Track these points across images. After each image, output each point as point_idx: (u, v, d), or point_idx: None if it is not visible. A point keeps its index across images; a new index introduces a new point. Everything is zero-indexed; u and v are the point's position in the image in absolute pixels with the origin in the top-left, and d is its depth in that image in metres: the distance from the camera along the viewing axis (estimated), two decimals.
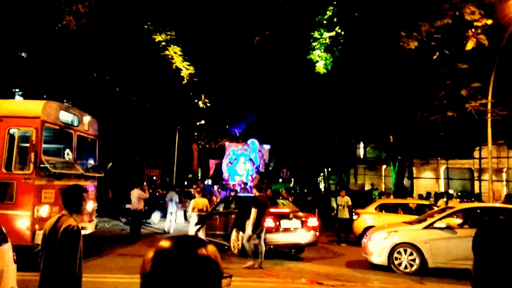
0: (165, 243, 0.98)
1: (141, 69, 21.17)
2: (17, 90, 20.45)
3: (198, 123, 29.44)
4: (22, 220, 7.80)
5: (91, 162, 10.46)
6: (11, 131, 8.23)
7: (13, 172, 7.98)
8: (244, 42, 16.48)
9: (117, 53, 18.98)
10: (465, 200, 20.10)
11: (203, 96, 24.74)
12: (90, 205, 9.96)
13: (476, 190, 25.83)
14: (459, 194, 28.00)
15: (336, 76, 17.62)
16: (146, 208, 14.89)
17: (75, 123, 9.50)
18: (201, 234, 11.13)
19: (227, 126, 30.51)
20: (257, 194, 9.73)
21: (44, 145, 8.45)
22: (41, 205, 7.99)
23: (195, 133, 30.19)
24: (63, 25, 8.77)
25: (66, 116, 9.15)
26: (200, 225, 11.15)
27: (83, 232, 9.18)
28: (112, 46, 18.31)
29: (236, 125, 29.05)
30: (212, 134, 29.97)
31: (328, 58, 14.45)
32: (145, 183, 17.11)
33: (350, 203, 13.84)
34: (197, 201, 11.32)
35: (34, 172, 7.94)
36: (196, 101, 25.13)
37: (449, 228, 8.94)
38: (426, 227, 9.11)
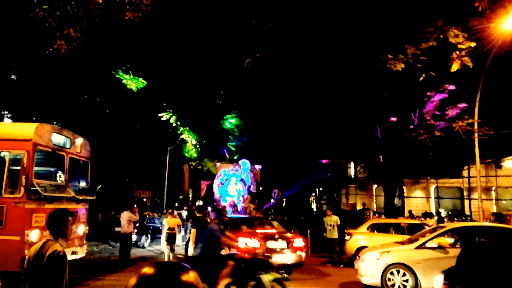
0: (147, 270, 0.99)
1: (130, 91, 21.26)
2: (5, 112, 20.32)
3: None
4: (11, 245, 7.58)
5: (83, 184, 10.31)
6: (2, 153, 8.14)
7: (3, 196, 7.83)
8: (234, 63, 16.69)
9: (107, 75, 19.06)
10: (455, 219, 20.17)
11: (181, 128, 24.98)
12: (82, 229, 9.79)
13: (467, 209, 25.97)
14: (449, 213, 28.13)
15: (324, 96, 17.88)
16: (136, 231, 14.72)
17: (67, 145, 9.42)
18: (191, 249, 11.18)
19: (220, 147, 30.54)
20: (197, 215, 10.04)
21: (35, 168, 8.33)
22: (32, 229, 7.81)
23: (186, 154, 30.08)
24: (54, 49, 8.82)
25: (58, 139, 9.07)
26: (168, 242, 13.17)
27: (74, 256, 9.03)
28: (102, 69, 18.40)
29: (226, 146, 29.05)
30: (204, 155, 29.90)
31: None
32: (135, 205, 16.93)
33: (338, 223, 13.64)
34: (168, 221, 13.38)
35: (24, 196, 7.79)
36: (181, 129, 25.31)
37: (441, 248, 8.96)
38: (418, 247, 9.12)
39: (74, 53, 9.07)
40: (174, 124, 24.19)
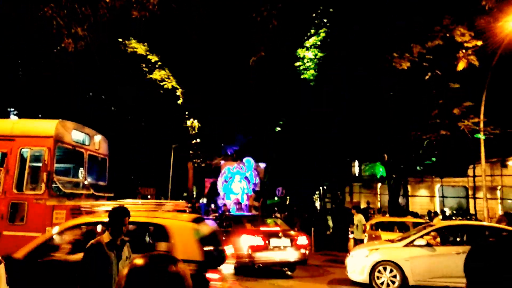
0: (139, 261, 1.06)
1: (137, 89, 21.34)
2: (12, 109, 20.47)
3: (193, 142, 29.45)
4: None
5: (101, 181, 10.25)
6: (23, 150, 8.13)
7: (25, 193, 7.84)
8: (240, 62, 16.74)
9: (112, 73, 19.15)
10: (459, 218, 20.11)
11: (192, 121, 24.97)
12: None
13: (471, 208, 25.89)
14: (454, 212, 28.03)
15: (328, 94, 17.88)
16: None
17: (87, 142, 9.42)
18: None
19: (222, 145, 30.57)
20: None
21: (55, 165, 8.31)
22: (53, 226, 7.77)
23: (191, 152, 30.16)
24: (62, 47, 8.87)
25: (78, 135, 9.08)
26: None
27: None
28: (108, 67, 18.49)
29: (231, 145, 29.12)
30: (208, 153, 30.00)
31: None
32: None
33: (363, 222, 13.00)
34: None
35: (46, 192, 7.77)
36: (190, 121, 25.35)
37: (429, 245, 9.03)
38: (406, 245, 9.20)
39: (81, 50, 9.13)
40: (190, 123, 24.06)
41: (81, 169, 9.40)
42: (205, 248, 4.66)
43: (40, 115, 17.82)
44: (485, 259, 1.16)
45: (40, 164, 8.01)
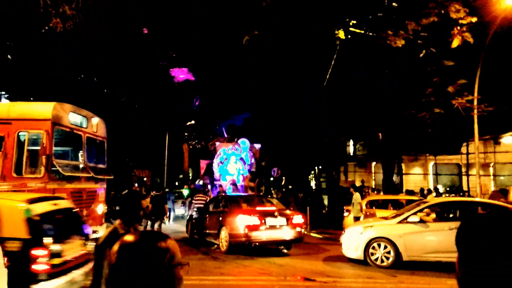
0: (129, 237, 1.08)
1: (131, 71, 21.08)
2: (2, 92, 20.20)
3: (188, 123, 29.35)
4: None
5: (100, 164, 10.18)
6: (21, 134, 8.05)
7: (24, 176, 7.80)
8: (234, 41, 16.51)
9: (105, 54, 18.85)
10: (452, 195, 20.37)
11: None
12: (101, 208, 9.86)
13: (464, 185, 26.23)
14: (448, 189, 28.37)
15: (324, 73, 17.77)
16: None
17: (84, 125, 9.33)
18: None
19: (218, 124, 30.49)
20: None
21: (54, 148, 8.24)
22: None
23: (186, 134, 30.10)
24: (50, 27, 8.68)
25: (75, 118, 8.98)
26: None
27: (94, 235, 9.19)
28: (100, 47, 18.19)
29: (226, 120, 28.94)
30: (203, 135, 29.94)
31: None
32: (136, 184, 17.02)
33: (358, 201, 13.17)
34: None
35: (45, 176, 7.74)
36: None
37: (422, 222, 9.17)
38: (400, 222, 9.35)
39: (70, 30, 8.93)
40: None
41: (80, 152, 9.32)
42: (42, 226, 5.03)
43: (31, 98, 17.59)
44: (476, 232, 1.17)
45: (38, 148, 7.96)
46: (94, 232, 9.16)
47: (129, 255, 1.04)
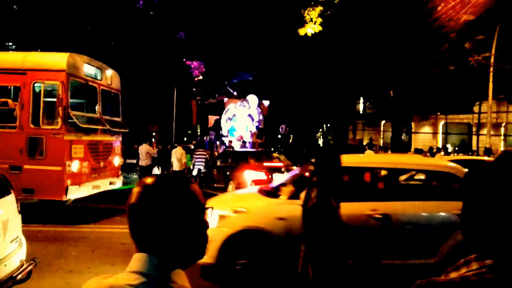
0: (150, 179, 1.02)
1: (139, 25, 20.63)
2: (10, 43, 20.00)
3: (196, 79, 29.07)
4: (53, 175, 7.65)
5: (116, 117, 10.10)
6: (36, 85, 7.95)
7: (41, 127, 7.79)
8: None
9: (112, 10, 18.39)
10: (462, 154, 20.25)
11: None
12: (117, 160, 9.94)
13: (474, 145, 26.05)
14: (456, 148, 28.23)
15: (335, 32, 17.23)
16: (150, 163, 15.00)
17: (99, 77, 9.18)
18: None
19: (226, 82, 30.18)
20: None
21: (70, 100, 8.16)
22: (72, 160, 7.84)
23: (194, 89, 29.90)
24: None
25: (89, 69, 8.83)
26: None
27: (112, 186, 9.34)
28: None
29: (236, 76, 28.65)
30: (211, 90, 29.74)
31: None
32: (153, 140, 17.05)
33: None
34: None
35: (63, 127, 7.73)
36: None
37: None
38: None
39: None
40: None
41: (96, 105, 9.22)
42: None
43: (38, 50, 17.41)
44: (481, 178, 1.15)
45: (54, 99, 7.88)
46: (111, 183, 9.35)
47: (149, 197, 1.02)
